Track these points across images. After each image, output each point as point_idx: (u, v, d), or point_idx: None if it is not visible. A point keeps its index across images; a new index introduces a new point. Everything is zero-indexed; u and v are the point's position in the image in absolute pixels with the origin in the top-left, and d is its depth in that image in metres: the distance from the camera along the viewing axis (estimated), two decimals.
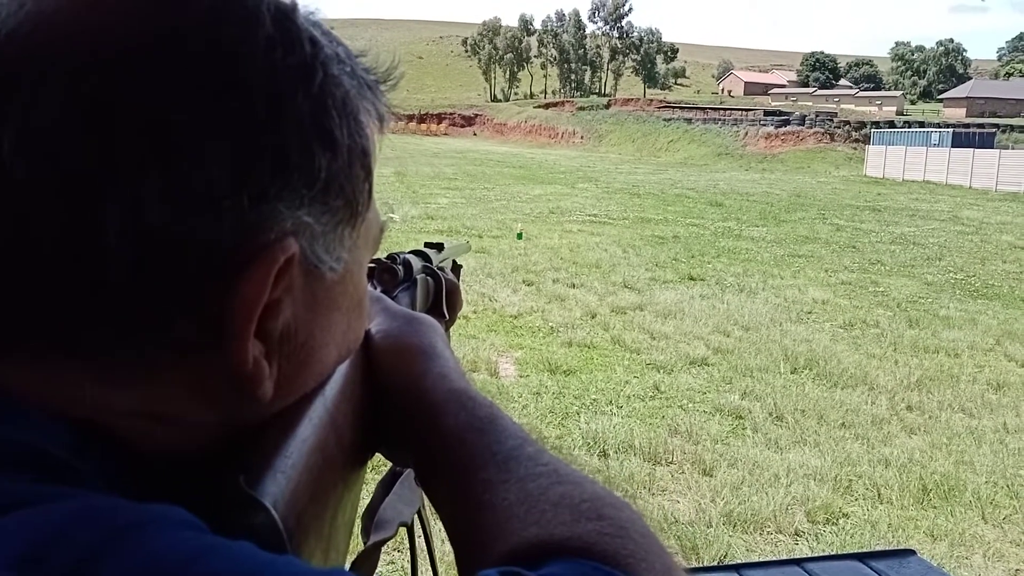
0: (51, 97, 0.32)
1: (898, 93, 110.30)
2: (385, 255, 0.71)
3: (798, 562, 1.56)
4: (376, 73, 0.43)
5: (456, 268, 0.89)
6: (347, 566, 0.46)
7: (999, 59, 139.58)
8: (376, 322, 0.53)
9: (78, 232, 0.32)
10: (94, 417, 0.35)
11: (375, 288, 0.64)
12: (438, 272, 0.76)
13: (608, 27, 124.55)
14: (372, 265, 0.69)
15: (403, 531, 0.62)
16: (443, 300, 0.76)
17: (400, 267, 0.70)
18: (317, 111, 0.38)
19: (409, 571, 0.67)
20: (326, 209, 0.39)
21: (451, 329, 0.75)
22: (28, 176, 0.32)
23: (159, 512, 0.31)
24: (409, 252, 0.77)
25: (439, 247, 0.84)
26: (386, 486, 0.57)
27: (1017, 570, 3.39)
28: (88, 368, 0.35)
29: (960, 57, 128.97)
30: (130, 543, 0.28)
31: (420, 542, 0.66)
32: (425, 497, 0.63)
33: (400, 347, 0.51)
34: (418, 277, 0.73)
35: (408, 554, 0.65)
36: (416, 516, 0.61)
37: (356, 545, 0.50)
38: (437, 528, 0.64)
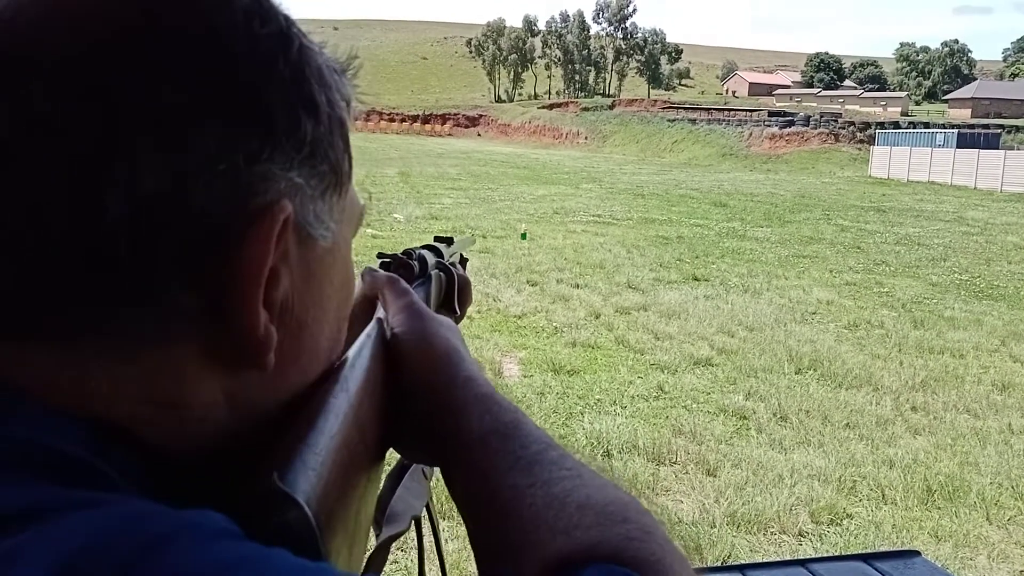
0: (45, 81, 0.33)
1: (903, 94, 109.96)
2: (401, 251, 0.72)
3: (802, 563, 1.56)
4: (337, 63, 0.45)
5: (463, 261, 0.90)
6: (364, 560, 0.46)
7: (1004, 60, 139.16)
8: (399, 320, 0.54)
9: (80, 211, 0.33)
10: (107, 410, 0.35)
11: None
12: (450, 268, 0.77)
13: (612, 28, 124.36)
14: (388, 260, 0.70)
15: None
16: (455, 295, 0.77)
17: (416, 263, 0.71)
18: (298, 77, 0.39)
19: (416, 563, 0.67)
20: (314, 172, 0.40)
21: (459, 324, 0.76)
22: (28, 159, 0.33)
23: (193, 520, 0.30)
24: (422, 247, 0.77)
25: (449, 241, 0.85)
26: (395, 479, 0.58)
27: (1022, 571, 3.39)
28: (97, 350, 0.35)
29: (965, 58, 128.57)
30: (163, 555, 0.28)
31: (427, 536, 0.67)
32: (432, 492, 0.63)
33: (427, 348, 0.52)
34: (432, 272, 0.74)
35: (412, 547, 0.65)
36: (424, 509, 0.61)
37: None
38: (441, 526, 0.64)
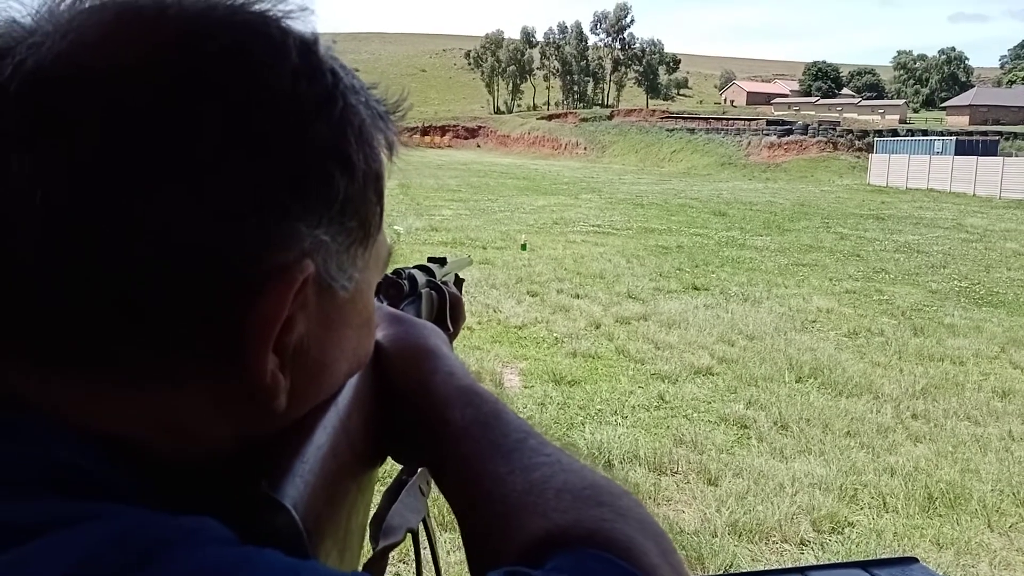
0: (91, 123, 0.35)
1: (901, 102, 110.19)
2: (391, 270, 0.73)
3: (801, 571, 1.56)
4: (386, 104, 0.46)
5: (459, 282, 0.91)
6: (359, 568, 0.48)
7: (1001, 67, 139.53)
8: (381, 328, 0.55)
9: (105, 251, 0.34)
10: (120, 431, 0.37)
11: (381, 302, 0.66)
12: (441, 286, 0.78)
13: (610, 38, 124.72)
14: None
15: (408, 541, 0.63)
16: (447, 313, 0.78)
17: (405, 282, 0.72)
18: (337, 137, 0.40)
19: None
20: (341, 229, 0.41)
21: (455, 341, 0.77)
22: (69, 196, 0.34)
23: (191, 527, 0.32)
24: (413, 267, 0.79)
25: (442, 261, 0.87)
26: (392, 494, 0.59)
27: None
28: (114, 381, 0.37)
29: (962, 65, 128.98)
30: (164, 560, 0.30)
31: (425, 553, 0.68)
32: (429, 507, 0.65)
33: (408, 349, 0.54)
34: (422, 291, 0.75)
35: (414, 564, 0.67)
36: (421, 524, 0.62)
37: (366, 551, 0.52)
38: (442, 539, 0.65)
